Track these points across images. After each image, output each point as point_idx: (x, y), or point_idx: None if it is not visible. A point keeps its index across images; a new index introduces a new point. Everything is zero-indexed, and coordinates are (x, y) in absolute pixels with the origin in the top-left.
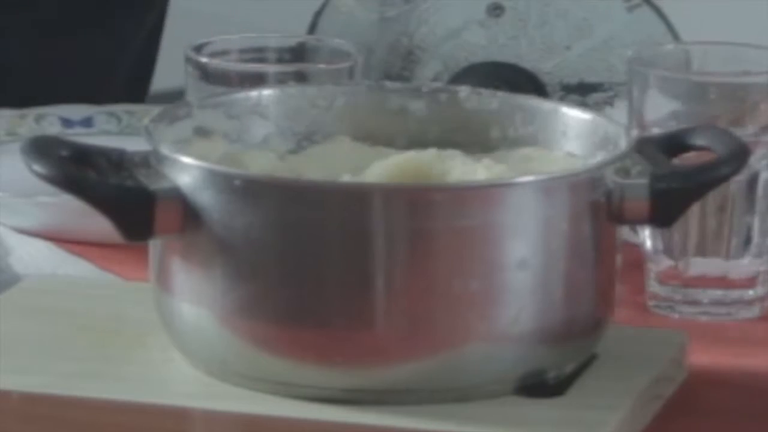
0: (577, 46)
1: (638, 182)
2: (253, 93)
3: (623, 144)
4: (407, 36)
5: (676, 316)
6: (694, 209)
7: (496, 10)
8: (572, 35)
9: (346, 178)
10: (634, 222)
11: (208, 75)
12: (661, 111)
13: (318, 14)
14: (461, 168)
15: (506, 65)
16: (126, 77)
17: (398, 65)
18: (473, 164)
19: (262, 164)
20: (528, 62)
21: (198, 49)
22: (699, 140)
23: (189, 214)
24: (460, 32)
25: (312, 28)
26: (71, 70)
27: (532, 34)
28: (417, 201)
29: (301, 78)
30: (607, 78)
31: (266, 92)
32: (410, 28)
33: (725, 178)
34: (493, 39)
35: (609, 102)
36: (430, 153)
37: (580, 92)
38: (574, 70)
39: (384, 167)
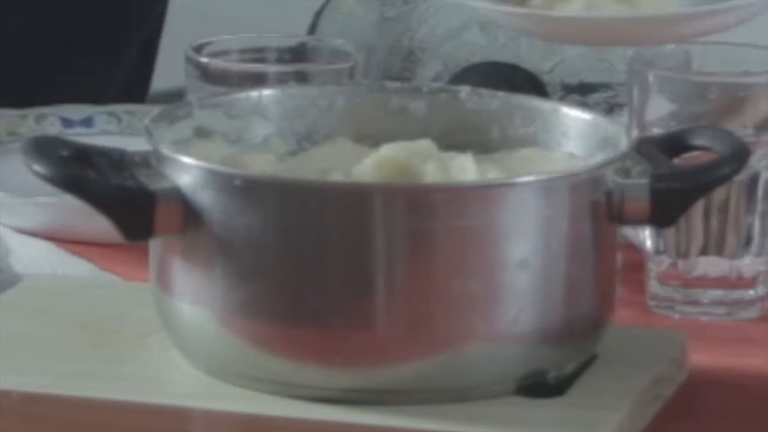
0: (577, 46)
1: (638, 182)
2: (254, 93)
3: (623, 144)
4: (407, 36)
5: (676, 316)
6: (695, 209)
7: None
8: None
9: (336, 177)
10: (634, 222)
11: (208, 75)
12: (661, 111)
13: (318, 14)
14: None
15: (506, 65)
16: (124, 80)
17: (398, 65)
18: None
19: (261, 166)
20: (528, 62)
21: (198, 49)
22: (699, 140)
23: (189, 214)
24: (460, 32)
25: (312, 28)
26: (70, 72)
27: None
28: (417, 201)
29: (301, 78)
30: (607, 78)
31: (266, 92)
32: (410, 28)
33: (725, 178)
34: (493, 39)
35: (609, 102)
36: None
37: (580, 92)
38: (574, 70)
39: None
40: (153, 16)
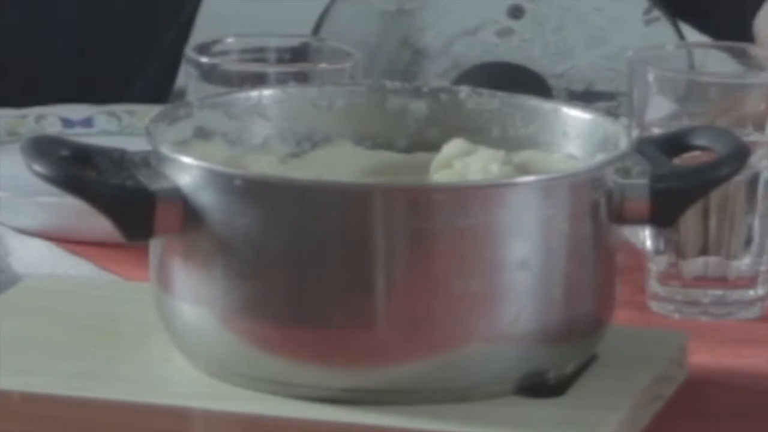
0: (590, 54)
1: (638, 182)
2: (254, 93)
3: (623, 144)
4: (420, 31)
5: (676, 316)
6: (695, 209)
7: (516, 12)
8: (587, 42)
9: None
10: (634, 222)
11: (208, 75)
12: (661, 111)
13: (333, 1)
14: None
15: (514, 66)
16: (154, 75)
17: (407, 59)
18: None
19: (263, 167)
20: (540, 65)
21: (198, 49)
22: (699, 140)
23: (189, 215)
24: (476, 31)
25: (324, 15)
26: (105, 67)
27: (547, 38)
28: (417, 201)
29: (301, 78)
30: (614, 87)
31: (267, 92)
32: (426, 23)
33: (725, 178)
34: (508, 40)
35: (611, 112)
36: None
37: (585, 99)
38: (583, 77)
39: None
40: (183, 12)
